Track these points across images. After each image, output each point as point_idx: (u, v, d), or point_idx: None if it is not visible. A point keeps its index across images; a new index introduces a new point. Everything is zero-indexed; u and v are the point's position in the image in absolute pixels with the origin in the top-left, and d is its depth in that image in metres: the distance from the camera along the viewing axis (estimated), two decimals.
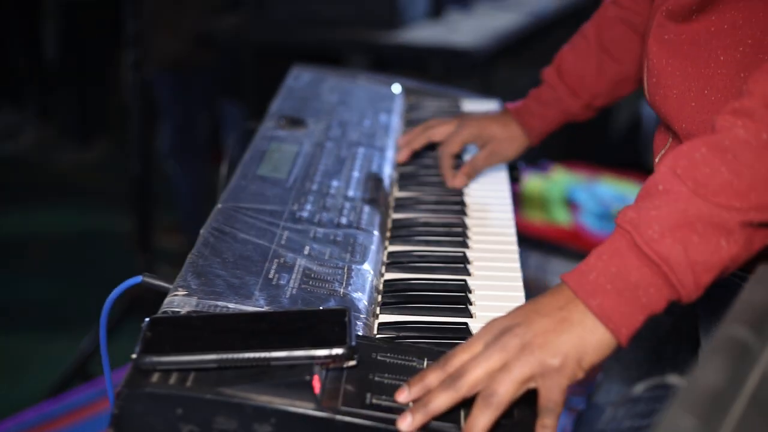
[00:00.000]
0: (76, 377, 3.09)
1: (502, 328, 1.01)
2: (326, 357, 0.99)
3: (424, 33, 3.59)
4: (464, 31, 3.65)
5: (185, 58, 4.03)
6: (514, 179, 1.71)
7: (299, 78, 1.92)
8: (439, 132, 1.66)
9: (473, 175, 1.64)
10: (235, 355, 0.98)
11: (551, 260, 3.17)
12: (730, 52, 1.25)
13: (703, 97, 1.28)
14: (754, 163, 0.99)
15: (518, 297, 1.25)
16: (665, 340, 1.55)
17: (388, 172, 1.58)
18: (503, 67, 4.07)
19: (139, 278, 1.20)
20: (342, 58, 3.84)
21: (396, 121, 1.81)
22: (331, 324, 1.03)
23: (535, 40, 4.25)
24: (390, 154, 1.65)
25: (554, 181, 3.68)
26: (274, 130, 1.64)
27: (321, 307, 1.13)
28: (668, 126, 1.35)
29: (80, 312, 3.66)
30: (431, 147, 1.69)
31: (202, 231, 1.27)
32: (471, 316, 1.21)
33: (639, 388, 0.87)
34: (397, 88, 1.96)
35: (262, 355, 0.99)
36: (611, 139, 4.95)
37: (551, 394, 0.98)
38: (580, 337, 0.99)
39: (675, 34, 1.32)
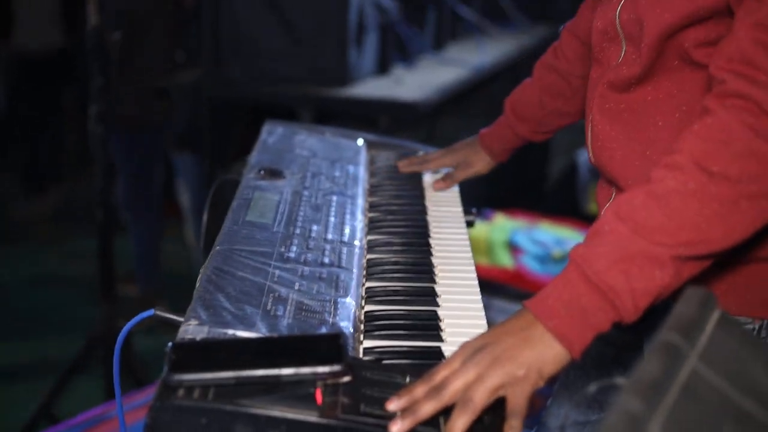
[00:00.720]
0: (41, 420, 3.20)
1: (476, 347, 1.20)
2: (326, 373, 1.17)
3: (372, 88, 3.79)
4: (409, 85, 3.86)
5: (139, 116, 4.19)
6: (469, 224, 1.91)
7: (273, 133, 2.11)
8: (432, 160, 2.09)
9: (451, 184, 2.04)
10: (250, 373, 1.16)
11: (495, 300, 3.37)
12: (668, 118, 1.46)
13: (645, 158, 1.49)
14: (683, 208, 1.19)
15: (481, 324, 1.44)
16: (609, 369, 1.75)
17: (359, 218, 1.77)
18: (446, 118, 4.28)
19: (151, 311, 1.37)
20: (295, 112, 4.03)
21: (362, 171, 2.00)
22: (328, 346, 1.21)
23: (475, 92, 4.47)
24: (360, 201, 1.84)
25: (497, 227, 3.90)
26: (256, 181, 1.82)
27: (318, 333, 1.31)
28: (613, 182, 1.56)
29: (39, 359, 3.77)
30: (397, 195, 1.90)
31: (203, 270, 1.45)
32: (442, 341, 1.40)
33: (592, 388, 1.05)
34: (360, 141, 2.15)
35: (273, 372, 1.16)
36: (549, 188, 5.21)
37: (517, 400, 1.17)
38: (541, 352, 1.19)
39: (616, 103, 1.53)
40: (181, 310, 1.35)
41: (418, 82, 3.92)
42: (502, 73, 4.66)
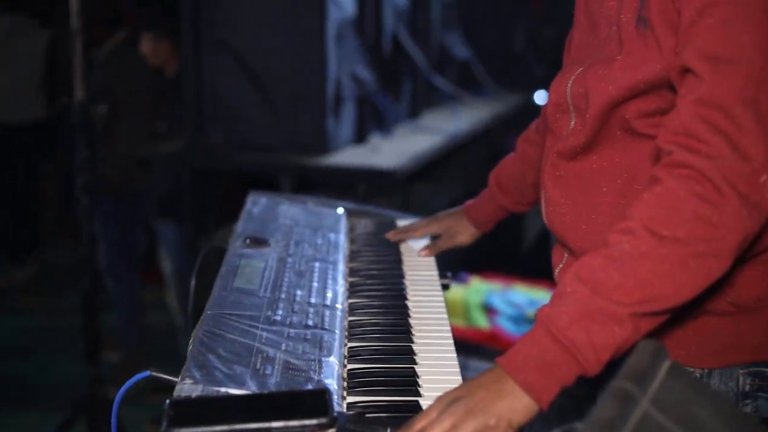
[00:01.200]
0: None
1: (451, 399, 1.31)
2: (314, 425, 1.26)
3: (350, 156, 3.91)
4: (386, 153, 3.99)
5: (122, 184, 4.30)
6: (445, 287, 2.02)
7: (257, 203, 2.22)
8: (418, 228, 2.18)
9: (435, 252, 2.13)
10: (243, 426, 1.25)
11: (472, 360, 3.46)
12: (611, 184, 1.59)
13: (592, 221, 1.61)
14: (636, 269, 1.31)
15: (456, 380, 1.54)
16: (569, 418, 1.85)
17: (341, 282, 1.87)
18: (422, 184, 4.40)
19: (147, 372, 1.47)
20: (275, 180, 4.15)
21: (342, 238, 2.11)
22: (314, 400, 1.31)
23: (450, 159, 4.60)
24: (341, 267, 1.94)
25: (473, 290, 4.01)
26: (242, 249, 1.92)
27: (304, 389, 1.40)
28: (564, 245, 1.68)
29: (24, 427, 3.83)
30: (376, 261, 2.01)
31: (195, 333, 1.54)
32: (420, 396, 1.50)
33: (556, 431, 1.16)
34: (340, 210, 2.26)
35: (264, 425, 1.26)
36: (523, 251, 5.32)
37: None
38: (511, 403, 1.29)
39: (565, 170, 1.66)
40: (165, 373, 1.45)
41: (395, 150, 4.05)
42: (476, 140, 4.80)
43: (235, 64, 3.81)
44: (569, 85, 1.65)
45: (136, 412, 3.57)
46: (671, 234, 1.31)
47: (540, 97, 5.57)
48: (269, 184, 4.07)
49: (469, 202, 2.18)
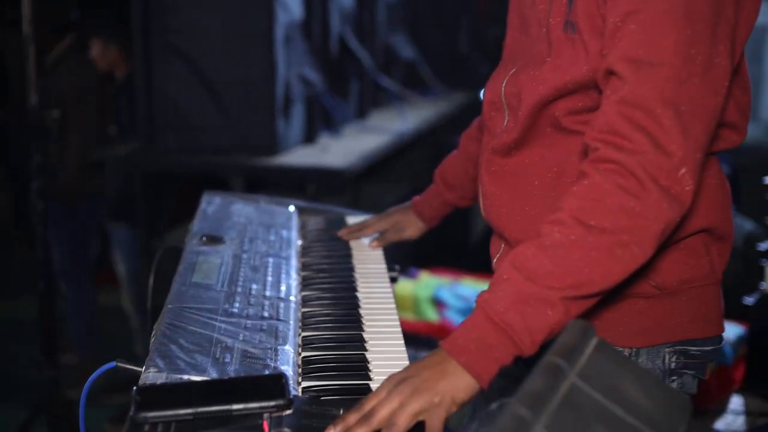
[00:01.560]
0: None
1: (399, 379, 1.41)
2: (272, 407, 1.36)
3: (299, 157, 4.01)
4: (335, 153, 4.08)
5: (75, 188, 4.36)
6: (393, 280, 2.13)
7: (211, 203, 2.30)
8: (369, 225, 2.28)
9: (383, 244, 2.23)
10: (205, 409, 1.35)
11: (422, 353, 3.57)
12: (542, 179, 1.71)
13: (525, 213, 1.73)
14: (567, 257, 1.42)
15: (404, 365, 1.64)
16: (508, 395, 1.98)
17: (294, 276, 1.97)
18: (370, 182, 4.50)
19: (113, 363, 1.56)
20: (226, 181, 4.23)
21: (294, 235, 2.21)
22: (272, 384, 1.41)
23: (398, 158, 4.70)
24: (293, 262, 2.04)
25: (422, 284, 4.12)
26: (199, 246, 2.01)
27: (262, 374, 1.50)
28: (501, 236, 1.80)
29: None
30: (327, 256, 2.11)
31: (157, 326, 1.63)
32: (370, 380, 1.60)
33: (493, 406, 1.27)
34: (291, 207, 2.36)
35: (225, 407, 1.35)
36: (470, 246, 5.45)
37: (435, 423, 1.38)
38: (454, 382, 1.40)
39: (499, 166, 1.77)
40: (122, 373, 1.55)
41: (343, 149, 4.14)
42: (422, 139, 4.91)
43: (185, 67, 3.88)
44: (503, 84, 1.76)
45: (97, 412, 3.64)
46: (598, 224, 1.43)
47: None
48: (221, 185, 4.16)
49: (416, 197, 2.28)
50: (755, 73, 6.63)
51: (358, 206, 4.03)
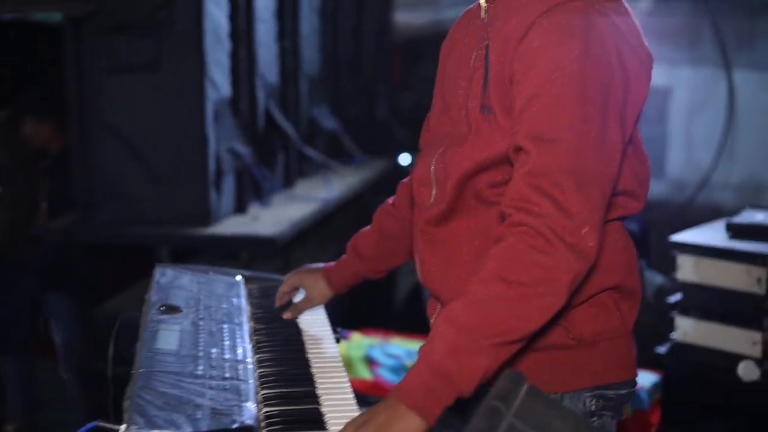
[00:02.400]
0: None
1: (360, 422, 1.62)
2: None
3: (232, 226, 4.19)
4: (265, 222, 4.27)
5: (9, 258, 4.46)
6: (337, 340, 2.33)
7: (165, 274, 2.48)
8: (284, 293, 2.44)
9: (296, 314, 2.40)
10: None
11: (360, 408, 3.75)
12: (470, 245, 1.94)
13: (457, 277, 1.96)
14: (491, 309, 1.66)
15: (354, 415, 1.85)
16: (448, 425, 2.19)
17: (248, 340, 2.16)
18: (300, 249, 4.70)
19: (95, 423, 1.72)
20: (155, 250, 4.38)
21: (244, 302, 2.40)
22: None
23: (325, 224, 4.90)
24: (246, 327, 2.23)
25: (354, 345, 4.31)
26: (158, 315, 2.19)
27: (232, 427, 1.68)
28: (437, 298, 2.02)
29: None
30: (274, 320, 2.31)
31: (129, 389, 1.80)
32: (326, 430, 1.80)
33: None
34: (238, 277, 2.55)
35: None
36: (396, 307, 5.67)
37: None
38: (406, 423, 1.62)
39: (432, 235, 2.00)
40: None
41: (272, 218, 4.34)
42: (346, 205, 5.13)
43: (120, 143, 4.05)
44: (433, 162, 1.99)
45: None
46: (516, 279, 1.67)
47: (404, 159, 5.97)
48: (152, 253, 4.31)
49: (329, 264, 2.44)
50: (661, 133, 7.02)
51: (288, 271, 4.22)
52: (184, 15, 3.96)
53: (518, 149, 1.76)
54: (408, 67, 8.02)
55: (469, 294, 1.69)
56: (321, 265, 2.47)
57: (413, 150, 7.82)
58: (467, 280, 1.86)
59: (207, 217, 4.10)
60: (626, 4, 1.88)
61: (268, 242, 4.06)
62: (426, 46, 8.16)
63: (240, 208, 4.37)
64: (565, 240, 1.68)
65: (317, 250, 5.14)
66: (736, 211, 7.04)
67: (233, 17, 4.26)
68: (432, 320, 2.06)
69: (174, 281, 2.45)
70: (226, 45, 4.22)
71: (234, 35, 4.28)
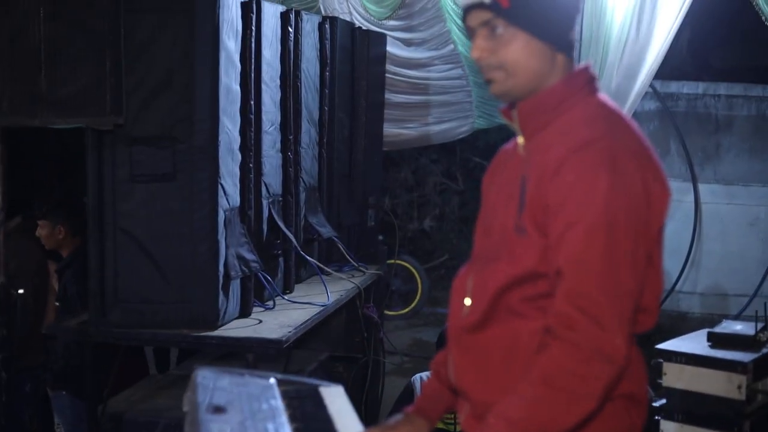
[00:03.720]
0: None
1: None
2: None
3: (238, 329, 4.39)
4: (270, 325, 4.48)
5: (26, 358, 4.63)
6: None
7: (205, 377, 2.69)
8: None
9: None
10: None
11: None
12: (498, 351, 2.21)
13: (486, 379, 2.21)
14: (536, 410, 1.97)
15: None
16: None
17: None
18: (297, 351, 4.90)
19: None
20: (167, 348, 4.56)
21: (280, 403, 2.61)
22: None
23: (319, 327, 5.10)
24: (287, 428, 2.44)
25: None
26: (209, 415, 2.40)
27: None
28: (466, 397, 2.26)
29: None
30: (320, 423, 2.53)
31: None
32: None
33: None
34: (272, 379, 2.76)
35: None
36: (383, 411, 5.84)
37: None
38: None
39: (466, 342, 2.26)
40: None
41: (275, 321, 4.54)
42: (340, 309, 5.34)
43: (135, 247, 4.26)
44: (470, 278, 2.26)
45: None
46: (560, 385, 1.94)
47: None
48: (163, 351, 4.50)
49: (411, 408, 2.56)
50: None
51: (287, 371, 4.44)
52: (201, 129, 4.21)
53: (558, 272, 2.04)
54: (385, 173, 8.35)
55: (517, 394, 1.96)
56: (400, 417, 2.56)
57: (393, 256, 8.09)
58: (495, 384, 2.12)
59: (215, 320, 4.29)
60: (647, 143, 2.18)
61: (273, 344, 4.26)
62: (403, 153, 8.50)
63: (244, 311, 4.57)
64: (602, 351, 1.97)
65: (311, 352, 5.35)
66: (702, 319, 7.32)
67: (243, 130, 4.52)
68: (462, 418, 2.29)
69: (215, 383, 2.65)
70: (237, 156, 4.47)
71: (243, 147, 4.53)
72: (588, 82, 2.24)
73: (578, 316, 1.99)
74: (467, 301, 2.26)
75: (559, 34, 2.21)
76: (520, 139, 2.28)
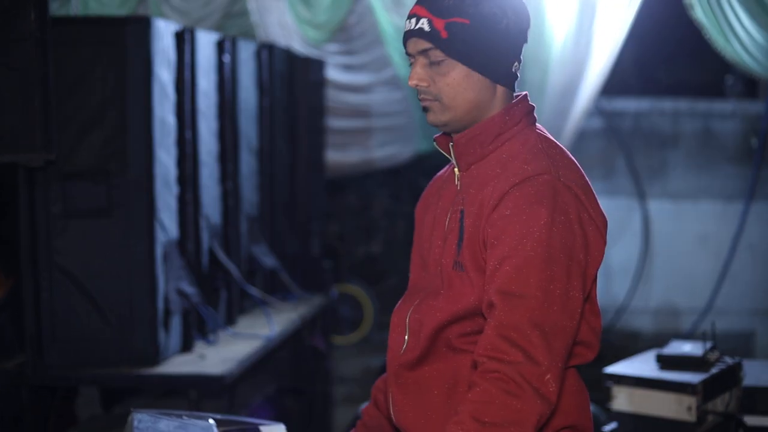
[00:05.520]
0: None
1: None
2: None
3: (179, 365, 4.29)
4: (212, 360, 4.38)
5: None
6: None
7: (141, 420, 2.59)
8: None
9: None
10: None
11: None
12: (440, 388, 2.15)
13: (428, 417, 2.15)
14: None
15: None
16: None
17: None
18: (242, 385, 4.80)
19: None
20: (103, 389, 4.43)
21: None
22: None
23: (264, 360, 5.01)
24: None
25: None
26: None
27: None
28: None
29: None
30: None
31: None
32: None
33: None
34: (211, 421, 2.67)
35: None
36: None
37: None
38: None
39: (405, 378, 2.20)
40: None
41: (218, 356, 4.44)
42: (286, 341, 5.26)
43: (71, 285, 4.15)
44: (409, 313, 2.19)
45: None
46: (490, 420, 1.88)
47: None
48: (104, 393, 4.38)
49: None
50: None
51: (233, 408, 4.35)
52: (135, 162, 4.12)
53: (490, 304, 1.98)
54: (332, 198, 8.29)
55: None
56: None
57: (341, 282, 8.02)
58: (437, 421, 2.05)
59: (155, 357, 4.19)
60: (586, 177, 2.13)
61: (216, 380, 4.17)
62: (348, 178, 8.45)
63: (186, 346, 4.47)
64: (532, 384, 1.90)
65: (257, 386, 5.25)
66: (654, 337, 7.32)
67: (180, 162, 4.43)
68: None
69: (152, 426, 2.56)
70: (174, 189, 4.38)
71: (181, 179, 4.45)
72: (527, 113, 2.19)
73: (509, 349, 1.93)
74: (405, 338, 2.20)
75: (497, 68, 2.15)
76: (456, 170, 2.23)
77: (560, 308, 1.96)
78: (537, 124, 2.21)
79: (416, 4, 2.16)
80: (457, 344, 2.12)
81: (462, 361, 2.12)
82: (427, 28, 2.10)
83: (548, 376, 1.92)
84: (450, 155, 2.22)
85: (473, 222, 2.07)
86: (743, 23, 5.60)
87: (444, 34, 2.08)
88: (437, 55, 2.12)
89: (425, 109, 2.19)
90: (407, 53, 2.21)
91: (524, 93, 2.22)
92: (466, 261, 2.08)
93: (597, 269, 2.08)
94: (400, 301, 2.29)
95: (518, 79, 2.21)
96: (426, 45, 2.13)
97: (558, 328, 1.96)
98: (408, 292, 2.29)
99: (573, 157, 2.16)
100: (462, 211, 2.12)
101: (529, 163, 2.07)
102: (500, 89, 2.17)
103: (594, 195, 2.11)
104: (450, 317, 2.10)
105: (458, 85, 2.11)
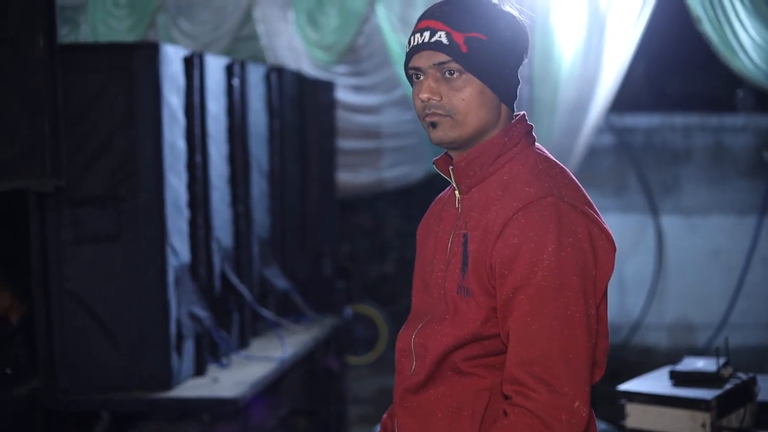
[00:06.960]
0: None
1: None
2: None
3: (193, 389, 4.29)
4: (225, 383, 4.38)
5: None
6: None
7: None
8: None
9: None
10: None
11: None
12: (445, 411, 2.15)
13: None
14: None
15: None
16: None
17: None
18: (257, 408, 4.80)
19: None
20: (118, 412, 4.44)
21: None
22: None
23: (278, 382, 5.01)
24: None
25: None
26: None
27: None
28: None
29: None
30: None
31: None
32: None
33: None
34: None
35: None
36: None
37: None
38: None
39: (410, 402, 2.19)
40: None
41: (231, 379, 4.44)
42: (299, 363, 5.25)
43: (82, 310, 4.16)
44: (413, 336, 2.19)
45: None
46: None
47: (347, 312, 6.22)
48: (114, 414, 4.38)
49: None
50: None
51: (246, 429, 4.34)
52: (145, 187, 4.14)
53: (508, 337, 1.99)
54: (344, 218, 8.30)
55: None
56: None
57: (355, 302, 8.02)
58: None
59: (168, 381, 4.19)
60: (588, 196, 2.13)
61: (229, 404, 4.17)
62: (359, 198, 8.46)
63: (199, 370, 4.47)
64: (561, 419, 1.91)
65: (271, 408, 5.25)
66: (669, 353, 7.27)
67: (191, 186, 4.45)
68: None
69: None
70: (185, 213, 4.39)
71: (192, 203, 4.46)
72: (525, 133, 2.18)
73: (534, 384, 1.95)
74: (413, 362, 2.19)
75: (507, 87, 2.14)
76: (457, 193, 2.21)
77: (583, 331, 1.97)
78: (536, 144, 2.19)
79: (425, 18, 2.13)
80: (463, 368, 2.11)
81: (467, 384, 2.11)
82: (445, 41, 2.07)
83: (577, 403, 1.93)
84: (450, 178, 2.20)
85: (478, 247, 2.06)
86: (751, 35, 5.59)
87: (464, 48, 2.06)
88: (454, 68, 2.08)
89: (433, 125, 2.14)
90: (413, 67, 2.15)
91: (522, 113, 2.21)
92: (471, 286, 2.06)
93: (607, 283, 2.07)
94: (403, 326, 2.28)
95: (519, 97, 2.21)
96: (444, 58, 2.08)
97: (580, 351, 1.97)
98: (411, 316, 2.28)
99: (573, 176, 2.15)
100: (465, 236, 2.10)
101: (531, 185, 2.05)
102: (504, 109, 2.15)
103: (597, 212, 2.10)
104: (456, 342, 2.09)
105: (473, 101, 2.08)
